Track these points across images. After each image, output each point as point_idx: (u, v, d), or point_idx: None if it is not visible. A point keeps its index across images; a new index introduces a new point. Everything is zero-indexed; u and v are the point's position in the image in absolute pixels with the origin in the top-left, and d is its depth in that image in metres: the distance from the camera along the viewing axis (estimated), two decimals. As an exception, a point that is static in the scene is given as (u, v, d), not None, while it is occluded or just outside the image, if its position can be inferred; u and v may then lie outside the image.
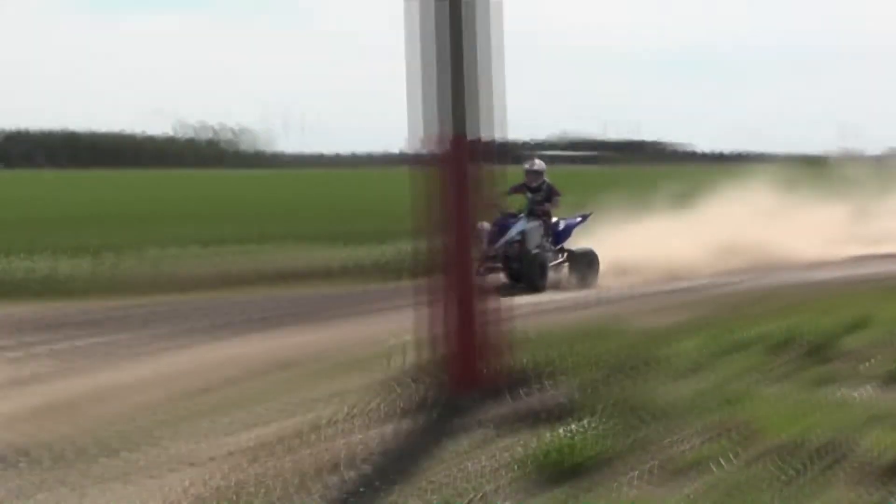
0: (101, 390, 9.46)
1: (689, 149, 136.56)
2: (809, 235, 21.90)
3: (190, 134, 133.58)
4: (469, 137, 7.55)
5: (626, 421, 6.71)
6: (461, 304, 7.20)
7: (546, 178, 16.83)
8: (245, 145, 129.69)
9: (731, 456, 5.97)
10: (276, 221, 30.39)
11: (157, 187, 66.22)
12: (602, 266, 17.41)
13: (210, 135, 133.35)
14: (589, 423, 6.57)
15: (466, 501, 5.51)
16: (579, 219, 17.54)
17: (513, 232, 15.70)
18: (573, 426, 6.55)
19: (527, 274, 15.46)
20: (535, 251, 15.72)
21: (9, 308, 14.78)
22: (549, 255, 16.15)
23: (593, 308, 14.55)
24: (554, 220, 16.86)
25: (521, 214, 16.12)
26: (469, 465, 6.11)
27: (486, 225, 14.98)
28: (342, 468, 6.20)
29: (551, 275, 16.11)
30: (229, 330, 12.77)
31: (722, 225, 20.90)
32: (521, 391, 7.33)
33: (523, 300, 13.82)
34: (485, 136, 7.65)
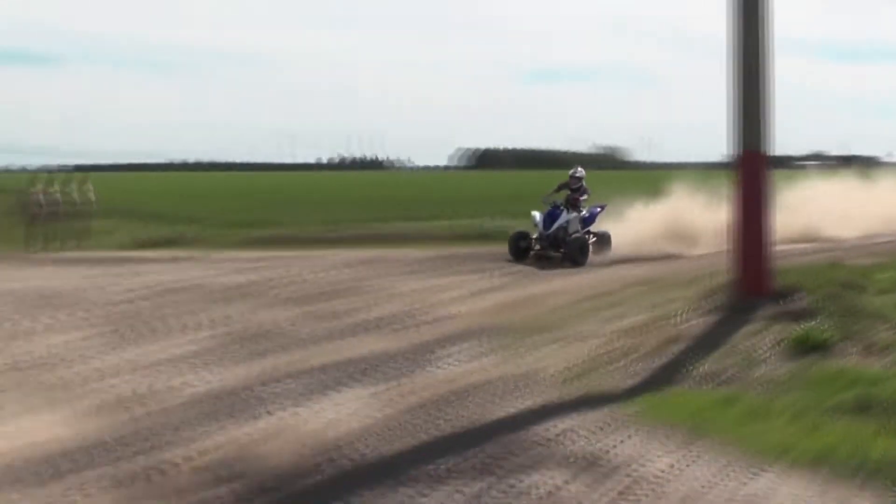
0: (529, 297, 14.92)
1: None
2: None
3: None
4: (759, 151, 11.01)
5: (846, 320, 10.26)
6: (750, 251, 11.00)
7: (584, 182, 20.81)
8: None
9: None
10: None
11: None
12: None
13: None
14: (823, 320, 10.15)
15: (752, 360, 9.18)
16: (599, 209, 21.18)
17: (561, 221, 19.57)
18: (814, 322, 10.08)
19: (571, 252, 19.12)
20: (576, 235, 19.62)
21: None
22: (586, 237, 19.91)
23: (821, 254, 18.40)
24: (584, 212, 20.53)
25: (562, 206, 19.97)
26: (752, 341, 9.77)
27: (537, 214, 20.15)
28: (679, 342, 10.10)
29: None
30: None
31: None
32: (781, 301, 10.92)
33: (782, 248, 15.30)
34: (767, 150, 11.17)
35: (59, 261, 22.81)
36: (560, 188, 21.06)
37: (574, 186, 20.80)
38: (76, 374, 9.72)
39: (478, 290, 15.67)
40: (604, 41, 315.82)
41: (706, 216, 21.62)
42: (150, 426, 7.74)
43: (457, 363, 10.03)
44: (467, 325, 12.26)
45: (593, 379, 9.03)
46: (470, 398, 8.48)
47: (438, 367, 9.85)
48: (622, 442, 6.95)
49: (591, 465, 6.43)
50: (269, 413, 8.06)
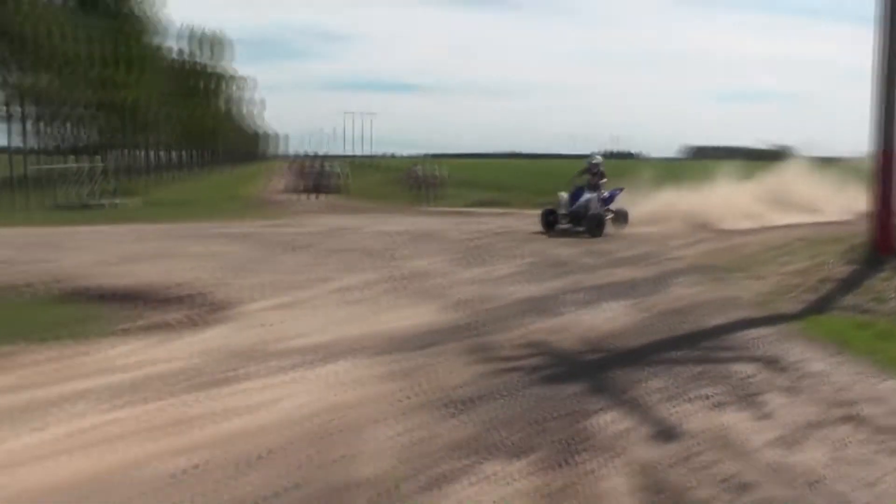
0: (730, 246, 15.94)
1: None
2: None
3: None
4: (891, 150, 11.40)
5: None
6: (882, 220, 11.52)
7: (602, 168, 20.36)
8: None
9: None
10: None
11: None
12: None
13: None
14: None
15: (882, 298, 9.64)
16: (619, 191, 20.60)
17: (582, 200, 19.23)
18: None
19: (590, 226, 18.66)
20: (594, 212, 18.95)
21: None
22: (603, 213, 19.28)
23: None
24: (604, 192, 20.04)
25: (585, 189, 19.59)
26: (883, 285, 10.09)
27: (564, 195, 19.76)
28: (830, 282, 10.71)
29: (606, 227, 19.19)
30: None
31: None
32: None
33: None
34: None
35: (429, 212, 26.60)
36: (582, 173, 20.49)
37: (593, 171, 20.25)
38: (440, 283, 11.31)
39: (695, 240, 17.33)
40: (774, 72, 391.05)
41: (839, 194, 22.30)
42: (487, 318, 8.97)
43: (683, 288, 11.02)
44: (690, 263, 13.50)
45: (772, 304, 9.75)
46: (692, 311, 9.37)
47: (671, 290, 10.89)
48: (793, 348, 7.62)
49: (772, 362, 7.11)
50: (563, 314, 9.20)
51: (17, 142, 36.37)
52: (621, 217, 19.87)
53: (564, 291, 10.71)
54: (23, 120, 36.16)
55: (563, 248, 15.37)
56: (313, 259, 14.14)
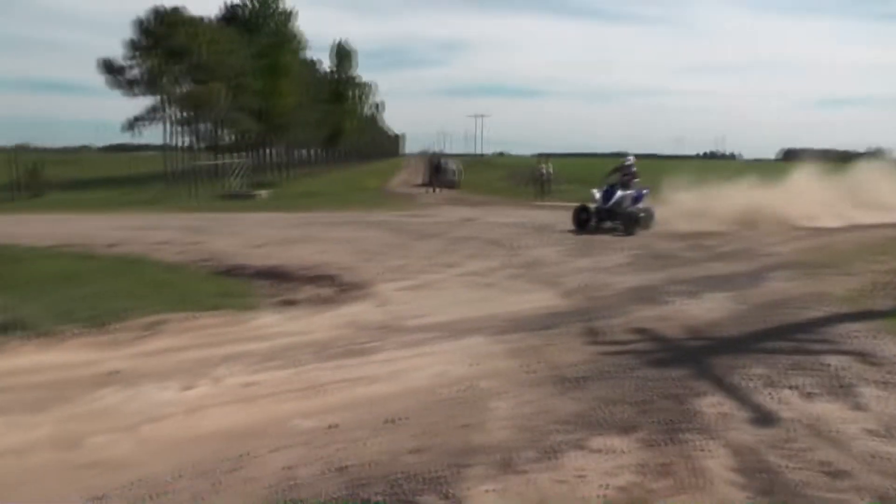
0: (824, 245, 15.09)
1: None
2: None
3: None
4: None
5: None
6: None
7: (634, 168, 18.67)
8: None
9: None
10: None
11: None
12: None
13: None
14: None
15: None
16: (645, 191, 18.69)
17: (616, 197, 17.64)
18: None
19: (625, 223, 17.14)
20: (629, 209, 17.43)
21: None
22: (636, 211, 17.51)
23: None
24: (632, 191, 18.15)
25: (617, 187, 18.01)
26: None
27: (597, 192, 18.16)
28: None
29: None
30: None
31: None
32: None
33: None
34: None
35: (541, 207, 26.22)
36: (613, 172, 18.93)
37: (626, 171, 18.72)
38: (554, 271, 11.29)
39: (789, 237, 16.38)
40: (873, 78, 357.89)
41: None
42: (598, 304, 8.91)
43: (778, 282, 10.56)
44: (785, 259, 12.85)
45: (865, 300, 9.28)
46: (787, 304, 8.98)
47: (767, 284, 10.46)
48: (885, 344, 7.19)
49: (865, 356, 6.75)
50: (667, 303, 9.00)
51: (170, 141, 39.89)
52: (649, 216, 18.20)
53: (668, 282, 10.47)
54: (190, 123, 39.60)
55: (665, 243, 14.96)
56: (439, 246, 14.29)
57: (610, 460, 4.45)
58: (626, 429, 4.93)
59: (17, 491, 4.07)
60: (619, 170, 18.86)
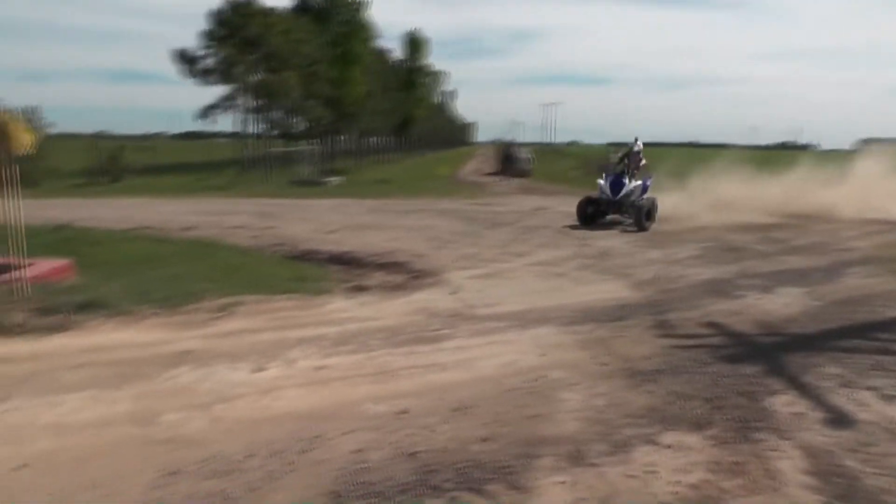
0: None
1: None
2: None
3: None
4: None
5: None
6: None
7: (642, 154, 16.85)
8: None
9: None
10: None
11: None
12: None
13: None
14: None
15: None
16: (649, 180, 16.90)
17: (627, 189, 15.86)
18: None
19: (637, 217, 15.36)
20: (641, 202, 15.69)
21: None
22: (645, 203, 15.74)
23: None
24: (639, 181, 16.42)
25: (624, 176, 16.23)
26: None
27: (602, 182, 16.21)
28: None
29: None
30: None
31: None
32: None
33: None
34: None
35: None
36: (621, 159, 17.02)
37: (634, 158, 16.88)
38: (624, 263, 11.12)
39: (867, 232, 15.77)
40: None
41: None
42: (669, 297, 8.75)
43: (857, 278, 10.24)
44: (864, 255, 12.40)
45: None
46: (866, 302, 8.69)
47: (845, 279, 10.15)
48: None
49: None
50: (739, 297, 8.78)
51: (242, 128, 41.23)
52: (653, 208, 16.42)
53: (740, 276, 10.23)
54: (264, 111, 41.07)
55: (737, 235, 14.55)
56: (510, 235, 14.19)
57: (682, 457, 4.38)
58: (698, 425, 4.84)
59: (95, 463, 4.19)
60: (628, 156, 16.98)
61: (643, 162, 16.94)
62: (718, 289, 9.33)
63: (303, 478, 3.99)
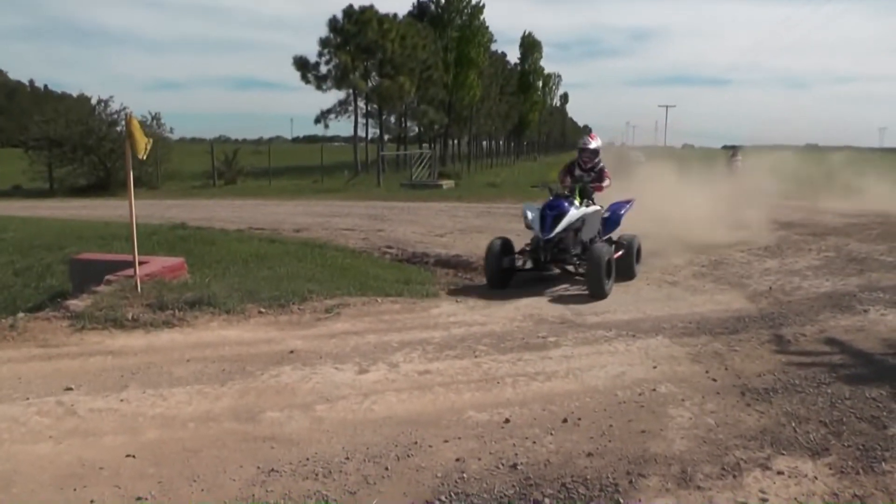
0: None
1: None
2: None
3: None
4: None
5: None
6: None
7: (599, 159, 10.38)
8: None
9: None
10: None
11: None
12: None
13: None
14: None
15: None
16: (627, 205, 10.84)
17: (569, 220, 9.38)
18: None
19: (590, 272, 8.93)
20: (598, 247, 9.18)
21: None
22: (602, 251, 9.08)
23: None
24: (596, 206, 10.12)
25: (568, 200, 9.56)
26: None
27: (530, 213, 9.63)
28: None
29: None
30: None
31: None
32: None
33: None
34: None
35: None
36: (567, 172, 10.49)
37: (587, 165, 10.31)
38: (739, 272, 10.66)
39: None
40: None
41: None
42: (786, 309, 8.27)
43: None
44: None
45: None
46: None
47: None
48: None
49: None
50: (863, 312, 8.19)
51: (358, 132, 42.41)
52: (631, 252, 10.19)
53: (863, 289, 9.54)
54: (372, 115, 43.06)
55: (862, 245, 13.65)
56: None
57: (797, 485, 4.07)
58: (816, 451, 4.50)
59: (198, 456, 4.25)
60: (575, 164, 10.58)
61: (606, 182, 10.25)
62: (840, 302, 8.77)
63: (400, 484, 3.93)
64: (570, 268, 9.72)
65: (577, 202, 9.60)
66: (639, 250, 10.46)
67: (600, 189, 10.06)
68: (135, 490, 3.86)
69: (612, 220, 10.56)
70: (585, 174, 10.27)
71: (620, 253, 9.94)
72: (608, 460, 4.28)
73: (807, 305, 8.61)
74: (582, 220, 9.57)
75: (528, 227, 9.56)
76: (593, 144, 10.39)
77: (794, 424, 4.90)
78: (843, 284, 9.87)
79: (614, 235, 10.51)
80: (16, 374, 5.70)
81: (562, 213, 9.35)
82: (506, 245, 9.57)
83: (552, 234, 9.28)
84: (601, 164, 10.30)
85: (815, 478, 4.14)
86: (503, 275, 9.43)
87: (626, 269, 9.91)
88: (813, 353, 6.66)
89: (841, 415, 5.11)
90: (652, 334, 7.15)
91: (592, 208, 9.86)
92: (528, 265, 9.66)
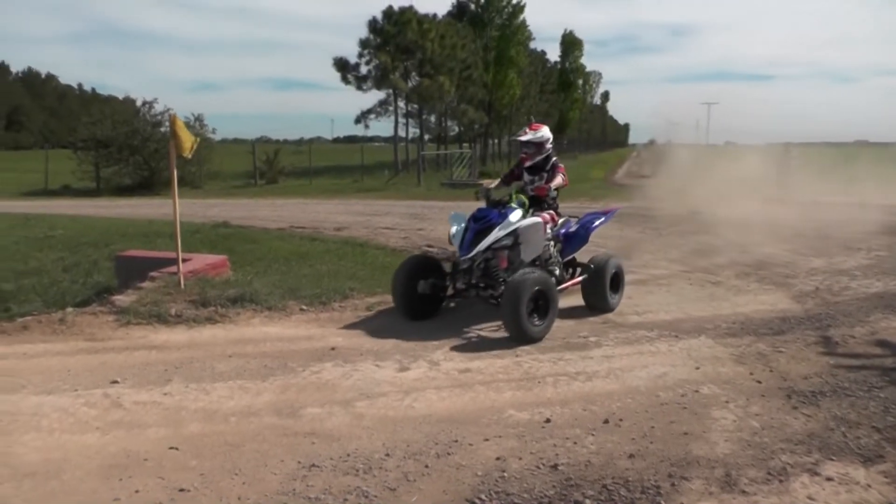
0: None
1: None
2: None
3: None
4: None
5: None
6: None
7: (551, 153, 8.13)
8: None
9: None
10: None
11: None
12: None
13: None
14: None
15: None
16: (602, 217, 8.61)
17: (500, 232, 7.20)
18: None
19: (506, 312, 6.70)
20: (518, 278, 6.78)
21: None
22: (557, 272, 7.77)
23: None
24: (561, 218, 8.10)
25: (514, 204, 7.40)
26: None
27: (455, 227, 7.52)
28: None
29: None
30: None
31: None
32: None
33: None
34: None
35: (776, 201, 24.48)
36: (510, 179, 8.23)
37: (529, 161, 8.01)
38: (785, 272, 10.46)
39: None
40: None
41: None
42: (834, 310, 8.09)
43: None
44: None
45: None
46: None
47: None
48: None
49: None
50: None
51: (398, 132, 42.97)
52: (595, 279, 8.03)
53: (917, 290, 9.02)
54: (412, 115, 43.62)
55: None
56: (665, 240, 13.76)
57: (847, 492, 3.96)
58: (867, 458, 4.38)
59: (239, 450, 4.28)
60: (519, 166, 8.26)
61: (558, 179, 7.92)
62: (890, 303, 8.57)
63: (440, 482, 3.93)
64: (494, 302, 7.25)
65: (518, 212, 7.29)
66: (617, 275, 8.12)
67: (544, 192, 7.68)
68: (178, 482, 3.91)
69: (578, 235, 8.15)
70: (536, 176, 7.93)
71: (580, 279, 7.96)
72: (650, 462, 4.23)
73: (856, 306, 8.42)
74: (514, 235, 7.18)
75: (450, 242, 7.45)
76: (529, 136, 7.87)
77: (843, 429, 4.79)
78: (895, 284, 9.67)
79: (586, 256, 8.35)
80: (65, 366, 5.83)
81: (490, 227, 7.14)
82: (421, 264, 7.60)
83: (470, 254, 7.14)
84: (553, 160, 7.94)
85: (869, 485, 4.02)
86: (419, 303, 7.43)
87: (596, 299, 7.87)
88: (863, 356, 6.48)
89: (894, 420, 4.99)
90: (694, 335, 7.07)
91: (530, 220, 7.30)
92: (451, 291, 7.56)
